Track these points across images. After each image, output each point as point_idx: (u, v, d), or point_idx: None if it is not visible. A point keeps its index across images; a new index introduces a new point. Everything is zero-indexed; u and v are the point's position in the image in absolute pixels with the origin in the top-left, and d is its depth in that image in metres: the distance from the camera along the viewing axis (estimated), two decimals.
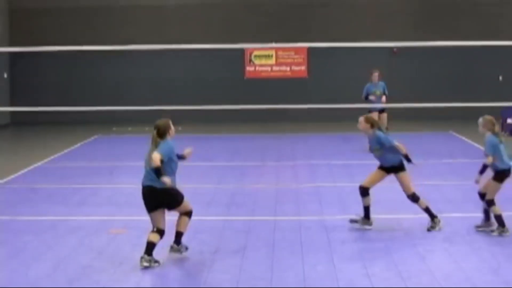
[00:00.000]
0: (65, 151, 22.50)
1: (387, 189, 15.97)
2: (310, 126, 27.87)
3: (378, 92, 21.54)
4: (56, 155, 21.68)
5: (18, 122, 30.28)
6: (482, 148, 21.78)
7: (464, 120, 27.94)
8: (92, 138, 25.74)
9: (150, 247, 10.64)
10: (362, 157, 20.77)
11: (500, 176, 12.13)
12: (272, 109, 23.98)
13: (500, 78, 29.99)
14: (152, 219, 10.90)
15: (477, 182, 12.35)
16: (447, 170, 17.23)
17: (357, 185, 12.84)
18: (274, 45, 27.38)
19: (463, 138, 24.33)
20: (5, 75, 30.50)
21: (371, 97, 21.49)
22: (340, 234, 12.36)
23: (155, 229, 10.81)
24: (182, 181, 16.59)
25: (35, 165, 19.96)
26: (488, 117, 12.35)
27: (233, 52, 29.14)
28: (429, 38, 26.88)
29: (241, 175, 18.14)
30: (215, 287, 9.79)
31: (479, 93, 28.09)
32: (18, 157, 21.92)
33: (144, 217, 12.98)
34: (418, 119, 28.47)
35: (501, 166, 12.12)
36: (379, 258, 10.93)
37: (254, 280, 9.97)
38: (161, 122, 10.88)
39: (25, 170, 19.20)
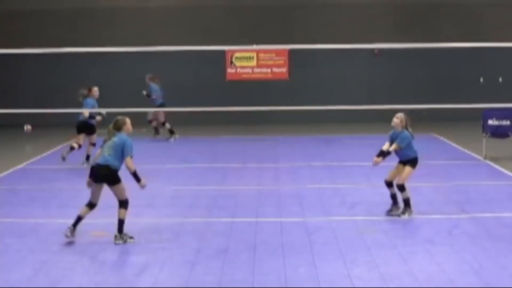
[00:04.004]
0: (46, 153, 22.40)
1: (368, 192, 16.05)
2: (291, 128, 27.86)
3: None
4: (37, 158, 21.58)
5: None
6: (463, 149, 22.03)
7: (445, 121, 28.09)
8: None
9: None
10: (343, 159, 20.84)
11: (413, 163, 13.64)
12: (253, 111, 23.92)
13: (481, 80, 30.10)
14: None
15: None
16: (428, 172, 17.26)
17: (338, 186, 12.86)
18: (255, 47, 27.33)
19: (444, 139, 24.40)
20: None
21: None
22: (322, 236, 12.36)
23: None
24: (164, 183, 16.63)
25: (16, 167, 19.88)
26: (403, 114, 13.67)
27: (214, 54, 29.04)
28: (410, 40, 27.00)
29: (222, 177, 18.11)
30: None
31: (460, 94, 28.19)
32: None
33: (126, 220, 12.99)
34: None
35: (413, 155, 13.61)
36: (361, 260, 10.93)
37: (236, 282, 9.96)
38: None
39: (5, 172, 19.11)
